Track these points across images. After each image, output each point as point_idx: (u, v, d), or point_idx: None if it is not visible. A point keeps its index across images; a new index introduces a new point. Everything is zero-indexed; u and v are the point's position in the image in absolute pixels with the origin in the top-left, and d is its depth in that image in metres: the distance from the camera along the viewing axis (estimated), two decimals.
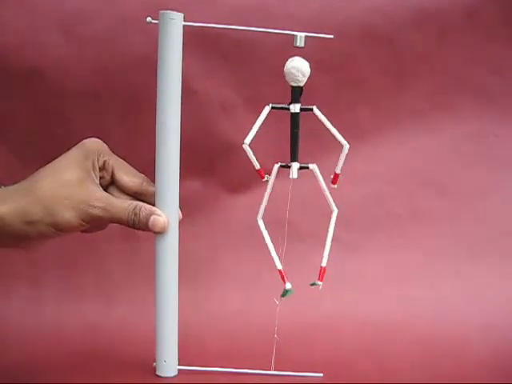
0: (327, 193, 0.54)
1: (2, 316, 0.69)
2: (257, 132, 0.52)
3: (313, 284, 0.54)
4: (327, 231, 0.54)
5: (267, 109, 0.52)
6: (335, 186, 0.54)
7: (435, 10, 0.71)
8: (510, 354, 0.63)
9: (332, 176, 0.54)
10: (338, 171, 0.53)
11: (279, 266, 0.54)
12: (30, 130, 0.71)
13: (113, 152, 0.54)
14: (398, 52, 0.72)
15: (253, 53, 0.70)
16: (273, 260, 0.54)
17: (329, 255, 0.54)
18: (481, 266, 0.73)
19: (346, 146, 0.52)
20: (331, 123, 0.52)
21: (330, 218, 0.54)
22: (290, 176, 0.53)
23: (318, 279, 0.54)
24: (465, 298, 0.69)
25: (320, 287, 0.54)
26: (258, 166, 0.53)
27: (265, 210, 0.54)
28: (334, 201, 0.54)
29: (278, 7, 0.69)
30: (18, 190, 0.50)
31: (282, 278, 0.54)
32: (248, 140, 0.52)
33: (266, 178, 0.54)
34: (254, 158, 0.53)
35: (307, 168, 0.53)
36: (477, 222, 0.75)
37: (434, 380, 0.57)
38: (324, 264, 0.54)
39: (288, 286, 0.54)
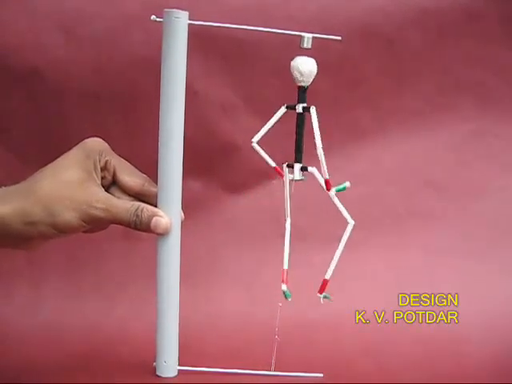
0: (339, 204, 0.52)
1: (2, 316, 0.69)
2: (267, 132, 0.52)
3: (325, 297, 0.53)
4: (338, 241, 0.53)
5: (282, 109, 0.52)
6: (331, 192, 0.52)
7: (435, 10, 0.71)
8: (510, 354, 0.63)
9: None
10: (326, 176, 0.51)
11: (286, 266, 0.53)
12: (30, 130, 0.71)
13: (114, 152, 0.53)
14: (398, 52, 0.72)
15: (254, 53, 0.70)
16: (282, 259, 0.53)
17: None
18: (481, 266, 0.73)
19: (320, 150, 0.50)
20: (319, 127, 0.50)
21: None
22: (292, 177, 0.52)
23: (319, 292, 0.53)
24: (465, 298, 0.69)
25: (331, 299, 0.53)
26: (273, 164, 0.54)
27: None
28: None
29: (278, 7, 0.69)
30: (18, 191, 0.50)
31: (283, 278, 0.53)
32: (256, 139, 0.52)
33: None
34: (267, 156, 0.53)
35: (306, 170, 0.52)
36: (477, 222, 0.75)
37: (434, 380, 0.57)
38: (328, 277, 0.53)
39: (283, 287, 0.53)
